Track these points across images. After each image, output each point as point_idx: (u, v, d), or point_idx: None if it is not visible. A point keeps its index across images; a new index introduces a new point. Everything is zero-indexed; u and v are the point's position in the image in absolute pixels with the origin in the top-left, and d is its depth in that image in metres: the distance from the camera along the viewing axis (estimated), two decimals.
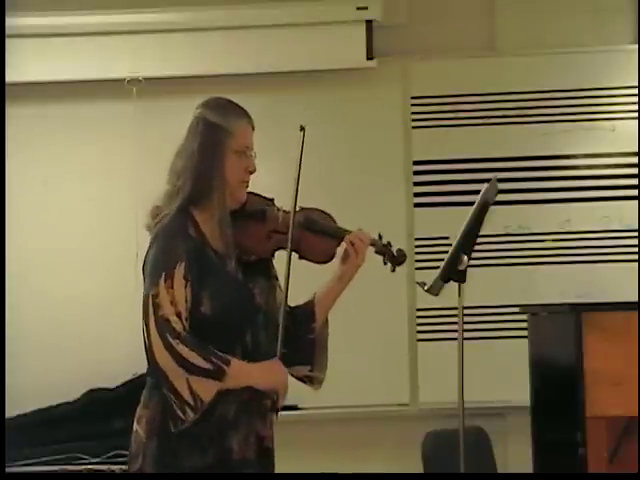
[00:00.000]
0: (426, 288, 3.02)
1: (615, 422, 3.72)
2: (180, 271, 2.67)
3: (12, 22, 4.81)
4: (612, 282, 4.81)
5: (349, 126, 5.02)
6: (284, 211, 2.86)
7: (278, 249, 2.86)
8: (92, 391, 4.80)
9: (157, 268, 2.69)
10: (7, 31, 4.80)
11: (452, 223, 3.13)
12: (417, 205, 5.02)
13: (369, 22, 4.93)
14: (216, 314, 2.71)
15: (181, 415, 2.63)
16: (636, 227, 4.86)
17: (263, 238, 2.84)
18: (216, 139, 2.78)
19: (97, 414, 4.71)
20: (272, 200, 2.91)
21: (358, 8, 4.89)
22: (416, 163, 5.03)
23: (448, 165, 5.00)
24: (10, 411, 4.55)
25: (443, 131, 5.02)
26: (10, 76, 4.79)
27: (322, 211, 2.96)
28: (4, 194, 4.80)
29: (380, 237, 3.01)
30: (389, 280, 4.87)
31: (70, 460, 4.54)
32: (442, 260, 3.02)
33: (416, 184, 5.02)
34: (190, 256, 2.70)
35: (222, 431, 2.72)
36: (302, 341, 2.92)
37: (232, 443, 2.73)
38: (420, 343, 4.96)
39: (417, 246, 4.96)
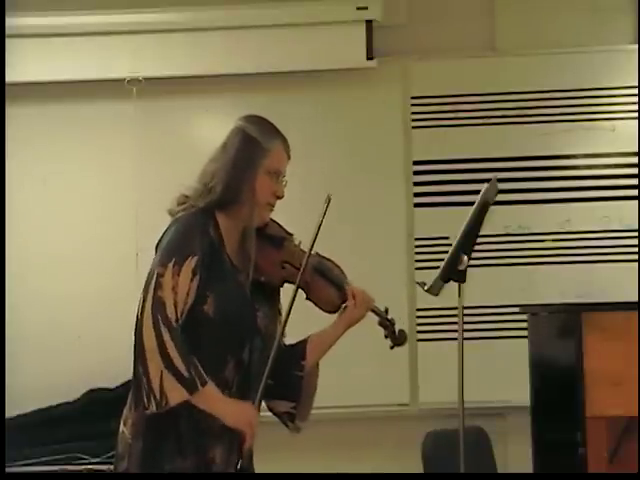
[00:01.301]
0: (426, 288, 3.02)
1: (615, 422, 3.72)
2: (191, 264, 2.68)
3: (12, 22, 4.81)
4: (612, 282, 4.81)
5: (349, 126, 5.02)
6: (301, 249, 2.88)
7: (288, 281, 2.87)
8: (92, 391, 4.80)
9: (170, 252, 2.69)
10: (7, 31, 4.80)
11: (452, 223, 3.13)
12: (417, 205, 5.02)
13: (369, 22, 4.93)
14: (218, 317, 2.71)
15: (145, 401, 2.62)
16: (636, 227, 4.86)
17: (276, 264, 2.85)
18: (253, 154, 2.80)
19: (97, 414, 4.71)
20: (292, 235, 2.92)
21: (358, 8, 4.89)
22: (416, 163, 5.03)
23: (448, 165, 5.00)
24: (10, 411, 4.56)
25: (443, 131, 5.02)
26: (10, 76, 4.79)
27: (337, 264, 2.97)
28: (4, 194, 4.81)
29: (387, 311, 3.04)
30: (389, 280, 4.91)
31: (70, 460, 4.54)
32: (442, 260, 3.02)
33: (416, 184, 5.02)
34: (205, 253, 2.71)
35: (204, 439, 2.72)
36: (290, 376, 2.91)
37: (213, 453, 2.74)
38: (420, 343, 4.96)
39: (417, 246, 4.96)
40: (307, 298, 2.89)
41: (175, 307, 2.64)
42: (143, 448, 2.70)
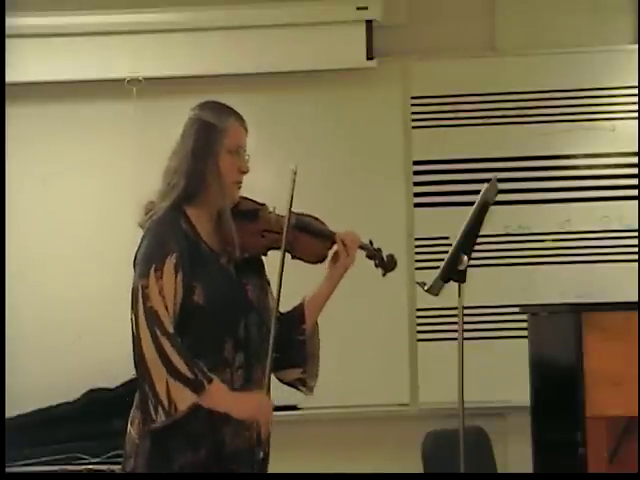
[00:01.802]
0: (426, 288, 3.02)
1: (615, 422, 3.72)
2: (171, 262, 2.68)
3: (12, 22, 4.81)
4: (612, 282, 4.81)
5: (349, 126, 5.02)
6: (277, 214, 2.88)
7: (271, 248, 2.87)
8: (92, 391, 4.80)
9: (148, 260, 2.70)
10: (7, 31, 4.80)
11: (452, 223, 3.13)
12: (417, 205, 5.02)
13: (369, 22, 4.93)
14: (209, 304, 2.71)
15: (153, 414, 2.62)
16: (636, 227, 4.86)
17: (256, 236, 2.86)
18: (210, 138, 2.80)
19: (97, 414, 4.71)
20: (264, 204, 2.91)
21: (358, 8, 4.89)
22: (416, 163, 5.03)
23: (448, 165, 5.00)
24: (10, 411, 4.55)
25: (443, 131, 5.02)
26: (10, 76, 4.79)
27: (314, 217, 2.97)
28: (4, 194, 4.81)
29: (371, 242, 3.03)
30: (389, 280, 4.90)
31: (70, 460, 4.54)
32: (442, 260, 3.02)
33: (416, 184, 5.02)
34: (182, 248, 2.71)
35: (212, 430, 2.70)
36: (293, 343, 2.92)
37: (230, 445, 2.73)
38: (420, 343, 4.96)
39: (417, 246, 4.96)
40: (293, 257, 2.89)
41: (167, 310, 2.65)
42: (151, 448, 2.69)
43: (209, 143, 2.80)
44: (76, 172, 5.02)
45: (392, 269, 3.02)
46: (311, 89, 5.03)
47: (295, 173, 2.85)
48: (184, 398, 2.61)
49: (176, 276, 2.68)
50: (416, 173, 5.02)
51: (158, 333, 2.62)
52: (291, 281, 2.80)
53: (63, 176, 5.02)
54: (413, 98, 5.04)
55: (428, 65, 5.05)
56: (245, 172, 2.85)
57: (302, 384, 2.97)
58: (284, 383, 2.97)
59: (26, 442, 4.62)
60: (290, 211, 2.84)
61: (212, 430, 2.70)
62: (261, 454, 2.78)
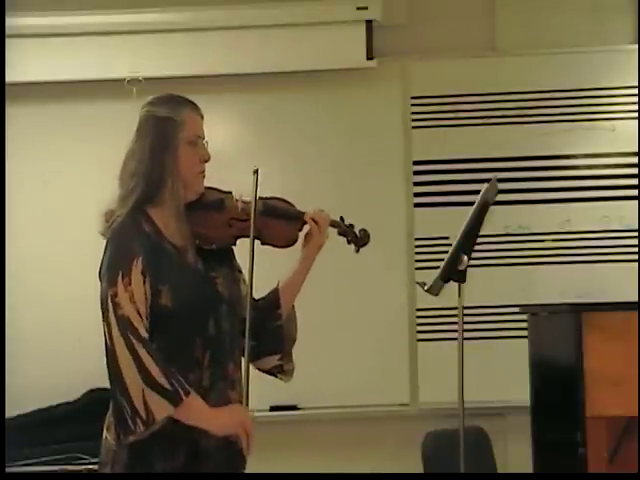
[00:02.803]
0: (426, 288, 3.01)
1: (615, 422, 3.72)
2: (138, 267, 2.63)
3: (12, 22, 4.81)
4: (612, 282, 4.81)
5: (349, 126, 5.02)
6: (243, 201, 2.82)
7: (240, 237, 2.82)
8: (92, 391, 4.80)
9: (114, 267, 2.66)
10: (7, 31, 4.80)
11: (452, 223, 3.13)
12: (417, 205, 5.02)
13: (369, 22, 4.92)
14: (176, 305, 2.64)
15: (131, 425, 2.55)
16: (636, 227, 4.86)
17: (223, 226, 2.80)
18: (167, 132, 2.75)
19: (97, 414, 4.67)
20: (230, 192, 2.87)
21: (358, 8, 4.89)
22: (416, 163, 5.02)
23: (448, 165, 5.00)
24: (10, 411, 4.55)
25: (443, 131, 5.02)
26: (10, 76, 4.79)
27: (282, 199, 2.93)
28: (4, 194, 4.81)
29: (342, 219, 3.01)
30: (389, 280, 4.90)
31: (70, 460, 4.54)
32: (442, 260, 3.02)
33: (416, 184, 5.02)
34: (147, 250, 2.66)
35: (191, 439, 2.65)
36: (269, 330, 2.86)
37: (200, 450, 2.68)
38: (420, 343, 4.96)
39: (417, 246, 4.95)
40: (263, 243, 2.84)
41: (140, 316, 2.60)
42: (129, 455, 2.64)
43: (166, 138, 2.74)
44: (76, 172, 5.02)
45: (365, 244, 3.00)
46: (311, 89, 5.03)
47: (256, 172, 2.78)
48: (161, 408, 2.54)
49: (144, 280, 2.63)
50: (416, 173, 5.02)
51: (133, 340, 2.56)
52: (264, 266, 2.77)
53: (63, 176, 5.02)
54: (413, 98, 5.04)
55: (428, 65, 5.05)
56: (207, 160, 2.79)
57: (280, 370, 2.92)
58: (262, 371, 2.91)
59: (26, 442, 4.61)
60: (256, 198, 2.77)
61: (190, 442, 2.64)
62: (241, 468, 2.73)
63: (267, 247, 2.85)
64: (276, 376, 2.93)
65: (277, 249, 2.86)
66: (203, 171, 2.80)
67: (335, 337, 4.77)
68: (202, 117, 2.84)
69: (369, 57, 4.93)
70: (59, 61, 4.92)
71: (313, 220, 2.88)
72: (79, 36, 4.92)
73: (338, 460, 4.92)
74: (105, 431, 2.72)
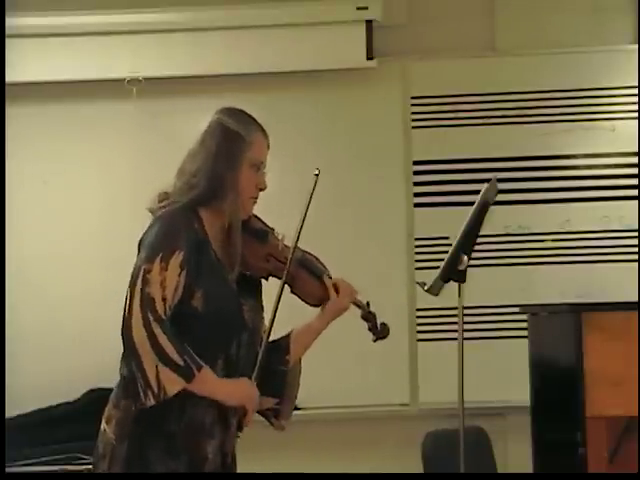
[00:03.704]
0: (426, 288, 3.02)
1: (615, 422, 3.72)
2: (178, 258, 2.64)
3: (12, 22, 4.81)
4: (612, 282, 4.81)
5: (349, 126, 5.02)
6: (284, 244, 2.85)
7: (272, 275, 2.85)
8: (92, 391, 4.80)
9: (156, 246, 2.66)
10: (7, 31, 4.80)
11: (452, 223, 3.14)
12: (417, 205, 5.02)
13: (369, 22, 4.93)
14: (207, 311, 2.68)
15: (142, 397, 2.59)
16: (636, 227, 4.86)
17: (261, 258, 2.83)
18: (235, 147, 2.76)
19: (97, 414, 4.68)
20: (273, 229, 2.89)
21: (358, 8, 4.89)
22: (416, 163, 5.03)
23: (448, 165, 5.00)
24: (10, 411, 4.55)
25: (443, 131, 5.02)
26: (10, 76, 4.79)
27: (318, 259, 2.94)
28: (4, 193, 4.81)
29: (368, 304, 3.00)
30: (389, 280, 4.90)
31: (70, 460, 4.54)
32: (442, 260, 3.02)
33: (416, 184, 5.02)
34: (191, 248, 2.67)
35: (192, 439, 2.68)
36: (273, 372, 2.88)
37: (200, 452, 2.70)
38: (420, 343, 4.96)
39: (417, 246, 4.96)
40: (292, 292, 2.87)
41: (164, 302, 2.61)
42: (128, 448, 2.67)
43: (233, 152, 2.75)
44: (76, 172, 5.02)
45: (384, 338, 3.00)
46: (311, 89, 5.03)
47: (308, 206, 2.82)
48: (173, 383, 2.59)
49: (180, 273, 2.65)
50: (416, 173, 5.02)
51: (151, 318, 2.58)
52: (283, 310, 2.79)
53: (63, 176, 5.02)
54: (413, 98, 5.04)
55: (428, 65, 5.05)
56: (262, 189, 2.81)
57: (274, 415, 2.93)
58: (256, 411, 2.90)
59: (26, 442, 4.61)
60: (297, 241, 2.81)
61: (192, 438, 2.68)
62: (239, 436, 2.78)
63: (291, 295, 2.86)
64: (270, 421, 2.94)
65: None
66: (256, 197, 2.82)
67: (335, 337, 4.77)
68: (269, 147, 2.85)
69: (369, 57, 4.93)
70: (59, 61, 4.93)
71: (335, 287, 2.89)
72: (79, 36, 4.92)
73: (338, 460, 4.92)
74: (104, 423, 2.75)
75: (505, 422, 4.93)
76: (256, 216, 2.88)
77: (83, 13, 4.94)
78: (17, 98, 4.92)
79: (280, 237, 2.86)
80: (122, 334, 2.62)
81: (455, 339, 3.04)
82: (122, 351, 2.66)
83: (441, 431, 4.29)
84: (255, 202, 2.83)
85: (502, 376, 4.80)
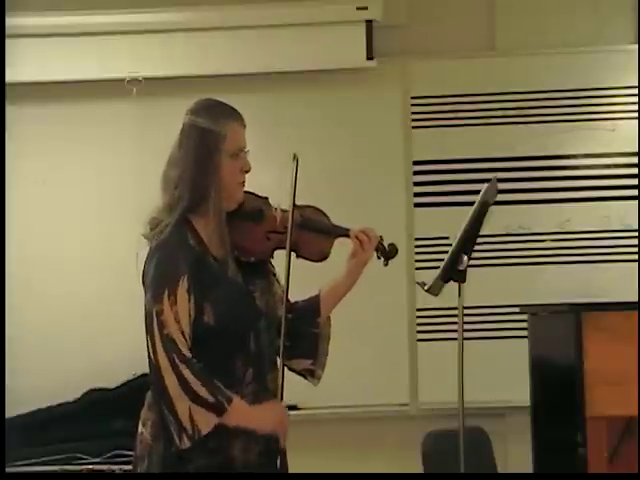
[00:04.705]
0: (426, 288, 3.01)
1: (615, 422, 3.72)
2: (183, 285, 2.65)
3: (12, 22, 4.81)
4: (612, 282, 4.81)
5: (349, 126, 5.02)
6: (282, 210, 2.84)
7: (276, 249, 2.85)
8: (92, 391, 4.80)
9: (160, 283, 2.66)
10: (7, 31, 4.80)
11: (452, 223, 3.13)
12: (417, 205, 5.02)
13: (369, 22, 4.93)
14: (218, 323, 2.69)
15: (177, 440, 2.61)
16: (636, 227, 4.86)
17: (262, 239, 2.83)
18: (210, 145, 2.74)
19: (97, 414, 4.71)
20: (267, 198, 2.89)
21: (358, 8, 4.89)
22: (416, 163, 5.03)
23: (448, 165, 5.00)
24: (10, 411, 4.55)
25: (443, 131, 5.02)
26: (10, 76, 4.79)
27: (316, 208, 2.94)
28: (4, 194, 4.81)
29: (381, 237, 3.00)
30: (389, 280, 4.90)
31: (70, 460, 4.54)
32: (442, 260, 3.01)
33: (416, 184, 5.02)
34: (192, 268, 2.68)
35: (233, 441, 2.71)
36: (306, 334, 2.91)
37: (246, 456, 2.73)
38: (420, 343, 4.96)
39: (417, 246, 4.96)
40: (298, 256, 2.86)
41: (184, 335, 2.63)
42: (165, 449, 2.67)
43: (209, 151, 2.74)
44: (76, 172, 5.02)
45: (393, 257, 2.98)
46: (311, 89, 5.03)
47: (297, 162, 2.82)
48: (206, 421, 2.61)
49: (189, 299, 2.66)
50: (416, 173, 5.03)
51: (177, 360, 2.60)
52: (302, 276, 2.81)
53: (63, 176, 5.02)
54: (413, 98, 5.04)
55: (428, 65, 5.05)
56: (247, 171, 2.81)
57: (310, 374, 2.96)
58: (292, 371, 2.95)
59: (26, 442, 4.61)
60: (293, 208, 2.80)
61: (227, 446, 2.70)
62: (278, 464, 2.79)
63: (301, 260, 2.86)
64: (306, 378, 2.98)
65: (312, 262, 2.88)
66: (243, 181, 2.81)
67: (335, 337, 4.77)
68: (244, 126, 2.82)
69: (369, 57, 4.93)
70: (59, 61, 4.92)
71: (358, 239, 2.90)
72: (79, 36, 4.92)
73: (338, 460, 4.92)
74: (141, 426, 2.75)
75: (505, 422, 4.93)
76: (247, 192, 2.85)
77: (83, 13, 4.93)
78: (17, 98, 4.92)
79: (276, 206, 2.85)
80: (151, 377, 2.65)
81: (455, 339, 3.04)
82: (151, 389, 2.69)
83: (441, 431, 4.28)
84: (243, 185, 2.81)
85: (502, 376, 4.80)
